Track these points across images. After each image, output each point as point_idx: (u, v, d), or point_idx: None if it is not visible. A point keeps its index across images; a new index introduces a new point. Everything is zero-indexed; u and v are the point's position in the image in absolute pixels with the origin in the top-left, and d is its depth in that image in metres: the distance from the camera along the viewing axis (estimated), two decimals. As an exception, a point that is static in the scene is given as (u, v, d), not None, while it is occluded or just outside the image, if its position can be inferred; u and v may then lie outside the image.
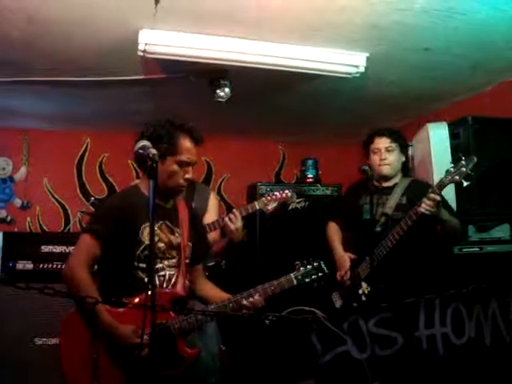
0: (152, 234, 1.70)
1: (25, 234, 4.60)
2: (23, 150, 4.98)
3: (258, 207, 3.00)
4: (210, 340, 2.66)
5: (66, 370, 2.03)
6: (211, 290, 2.36)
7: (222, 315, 2.30)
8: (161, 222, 2.17)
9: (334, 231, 3.19)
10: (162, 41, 2.75)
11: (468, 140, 3.03)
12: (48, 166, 5.01)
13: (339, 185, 4.42)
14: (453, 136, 3.09)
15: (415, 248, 2.76)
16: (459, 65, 3.22)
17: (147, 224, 2.01)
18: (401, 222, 2.69)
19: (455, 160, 2.56)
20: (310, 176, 4.52)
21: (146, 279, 2.02)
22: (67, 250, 3.67)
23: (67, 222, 5.04)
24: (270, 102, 4.05)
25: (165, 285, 2.13)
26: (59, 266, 3.62)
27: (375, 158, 2.94)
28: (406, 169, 3.13)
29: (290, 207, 4.24)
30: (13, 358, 3.26)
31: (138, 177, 4.57)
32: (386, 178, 2.96)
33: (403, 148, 2.98)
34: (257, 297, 2.17)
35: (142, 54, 2.78)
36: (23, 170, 4.99)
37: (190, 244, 2.25)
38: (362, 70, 3.07)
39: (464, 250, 3.02)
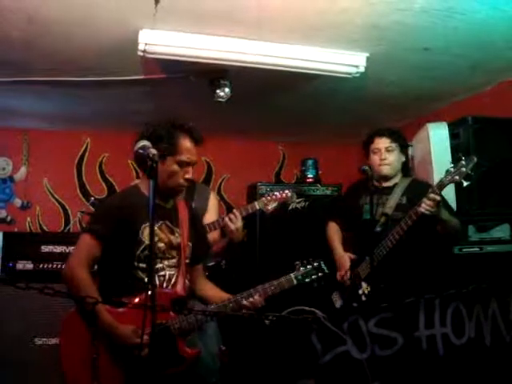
0: (152, 233, 1.70)
1: (25, 234, 4.60)
2: (23, 150, 4.98)
3: (258, 207, 3.00)
4: (210, 340, 2.66)
5: (66, 370, 2.03)
6: (211, 290, 2.36)
7: (222, 315, 2.31)
8: (161, 221, 2.17)
9: (334, 231, 3.19)
10: (162, 41, 2.75)
11: (468, 140, 3.03)
12: (48, 166, 5.01)
13: (339, 185, 4.41)
14: (453, 136, 3.09)
15: (415, 248, 2.76)
16: (459, 65, 3.22)
17: (147, 224, 2.01)
18: (401, 222, 2.69)
19: (455, 160, 2.56)
20: (309, 176, 4.51)
21: (146, 279, 2.02)
22: (67, 250, 3.68)
23: (67, 222, 5.04)
24: (269, 102, 4.05)
25: (165, 285, 2.13)
26: (59, 266, 3.62)
27: (375, 158, 2.94)
28: (406, 169, 3.13)
29: (290, 207, 4.24)
30: (13, 358, 3.26)
31: (138, 177, 4.57)
32: (386, 178, 2.96)
33: (403, 148, 2.98)
34: (257, 297, 2.17)
35: (141, 54, 2.78)
36: (23, 170, 4.99)
37: (190, 244, 2.25)
38: (361, 70, 3.07)
39: (464, 249, 3.01)
